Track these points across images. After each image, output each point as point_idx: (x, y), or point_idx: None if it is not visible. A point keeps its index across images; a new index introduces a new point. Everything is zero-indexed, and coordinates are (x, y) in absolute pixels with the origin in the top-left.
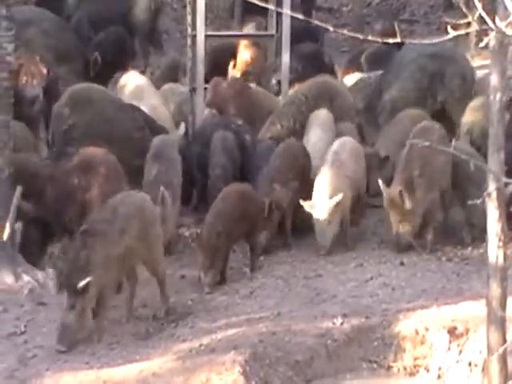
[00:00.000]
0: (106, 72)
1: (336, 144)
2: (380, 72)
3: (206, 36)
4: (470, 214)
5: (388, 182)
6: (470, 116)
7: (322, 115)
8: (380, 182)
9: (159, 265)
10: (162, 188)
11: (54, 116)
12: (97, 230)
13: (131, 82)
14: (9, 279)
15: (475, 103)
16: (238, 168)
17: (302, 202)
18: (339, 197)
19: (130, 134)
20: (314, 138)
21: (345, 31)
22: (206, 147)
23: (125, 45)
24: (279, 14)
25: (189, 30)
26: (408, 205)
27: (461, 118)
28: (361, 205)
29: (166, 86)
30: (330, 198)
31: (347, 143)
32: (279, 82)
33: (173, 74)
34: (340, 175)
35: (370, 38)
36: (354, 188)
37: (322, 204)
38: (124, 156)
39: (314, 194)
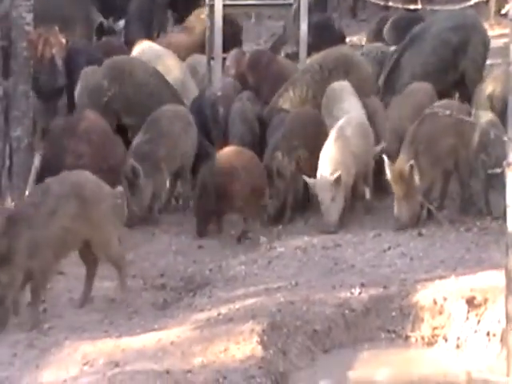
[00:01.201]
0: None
1: (342, 120)
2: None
3: (224, 5)
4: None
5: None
6: (491, 85)
7: (348, 85)
8: (385, 157)
9: (110, 248)
10: (130, 160)
11: (92, 88)
12: (18, 216)
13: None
14: None
15: (497, 72)
16: (256, 139)
17: (305, 178)
18: (338, 173)
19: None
20: (349, 106)
21: None
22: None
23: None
24: None
25: None
26: (417, 180)
27: (478, 85)
28: (368, 181)
29: (191, 58)
30: (332, 173)
31: (353, 119)
32: (288, 55)
33: None
34: (344, 151)
35: (390, 4)
36: (359, 164)
37: (323, 180)
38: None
39: (318, 170)
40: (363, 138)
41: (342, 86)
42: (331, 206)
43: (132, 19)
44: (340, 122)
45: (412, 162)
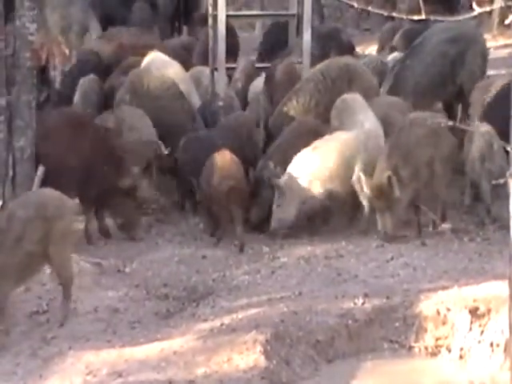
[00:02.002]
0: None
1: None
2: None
3: (227, 16)
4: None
5: None
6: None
7: (360, 97)
8: (360, 172)
9: (65, 267)
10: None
11: (118, 101)
12: None
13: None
14: None
15: (498, 83)
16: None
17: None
18: (285, 179)
19: (182, 124)
20: (365, 119)
21: (369, 8)
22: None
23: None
24: None
25: (210, 9)
26: (397, 191)
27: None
28: None
29: (195, 69)
30: (289, 178)
31: (372, 132)
32: None
33: None
34: (317, 163)
35: (394, 14)
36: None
37: (275, 182)
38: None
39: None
40: (374, 150)
41: (354, 98)
42: (275, 211)
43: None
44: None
45: (389, 173)
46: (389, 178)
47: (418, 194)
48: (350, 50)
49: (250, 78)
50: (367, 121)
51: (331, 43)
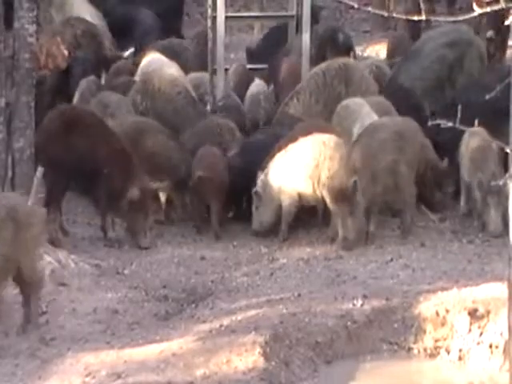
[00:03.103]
0: None
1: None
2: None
3: (226, 17)
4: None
5: None
6: None
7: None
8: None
9: (35, 272)
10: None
11: (130, 100)
12: None
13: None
14: None
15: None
16: None
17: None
18: (257, 188)
19: (193, 125)
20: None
21: (369, 8)
22: None
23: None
24: None
25: (209, 11)
26: (359, 197)
27: None
28: None
29: (193, 75)
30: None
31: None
32: None
33: None
34: (288, 169)
35: (394, 15)
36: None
37: (252, 191)
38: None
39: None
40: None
41: (356, 103)
42: (254, 214)
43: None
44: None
45: (356, 178)
46: (355, 182)
47: (376, 200)
48: (346, 50)
49: (241, 79)
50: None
51: (327, 44)
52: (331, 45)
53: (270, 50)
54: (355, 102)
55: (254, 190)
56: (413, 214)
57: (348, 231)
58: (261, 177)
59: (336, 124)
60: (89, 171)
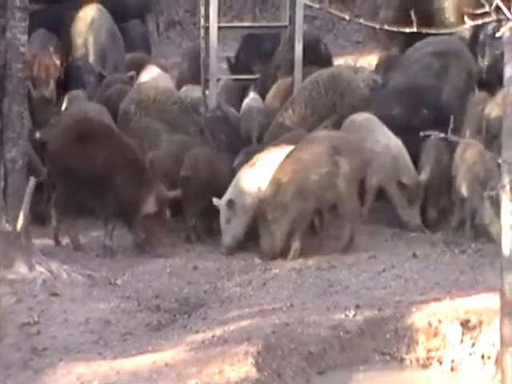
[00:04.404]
0: None
1: None
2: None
3: (219, 27)
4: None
5: None
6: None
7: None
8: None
9: None
10: None
11: (122, 111)
12: None
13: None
14: (23, 270)
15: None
16: None
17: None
18: (228, 197)
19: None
20: (384, 138)
21: (361, 20)
22: None
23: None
24: (292, 5)
25: (202, 21)
26: (269, 214)
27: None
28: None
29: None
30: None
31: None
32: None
33: None
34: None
35: (385, 27)
36: None
37: (218, 203)
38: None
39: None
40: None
41: (365, 118)
42: (225, 228)
43: None
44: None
45: (259, 196)
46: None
47: (303, 215)
48: (327, 61)
49: (228, 91)
50: (386, 140)
51: (309, 54)
52: (313, 55)
53: (250, 60)
54: (365, 118)
55: (224, 200)
56: (354, 228)
57: (263, 245)
58: (231, 187)
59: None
60: (101, 182)
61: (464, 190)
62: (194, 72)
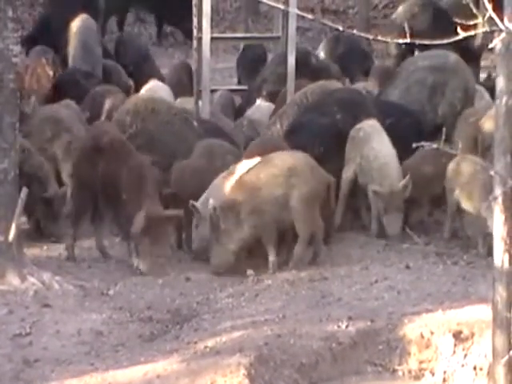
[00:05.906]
0: None
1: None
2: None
3: (212, 38)
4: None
5: None
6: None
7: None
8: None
9: None
10: None
11: (116, 122)
12: None
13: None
14: (14, 281)
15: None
16: None
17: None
18: (192, 202)
19: (192, 148)
20: (382, 146)
21: (354, 31)
22: None
23: None
24: (285, 16)
25: (194, 32)
26: (222, 224)
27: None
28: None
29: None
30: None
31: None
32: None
33: None
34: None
35: (379, 38)
36: None
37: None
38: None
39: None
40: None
41: (369, 125)
42: (194, 233)
43: None
44: None
45: (214, 204)
46: (214, 209)
47: (262, 230)
48: (319, 74)
49: (225, 102)
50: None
51: (300, 67)
52: (304, 68)
53: (246, 70)
54: (369, 125)
55: (211, 205)
56: (304, 249)
57: (214, 257)
58: (203, 196)
59: (350, 148)
60: (112, 196)
61: (465, 204)
62: (183, 84)
